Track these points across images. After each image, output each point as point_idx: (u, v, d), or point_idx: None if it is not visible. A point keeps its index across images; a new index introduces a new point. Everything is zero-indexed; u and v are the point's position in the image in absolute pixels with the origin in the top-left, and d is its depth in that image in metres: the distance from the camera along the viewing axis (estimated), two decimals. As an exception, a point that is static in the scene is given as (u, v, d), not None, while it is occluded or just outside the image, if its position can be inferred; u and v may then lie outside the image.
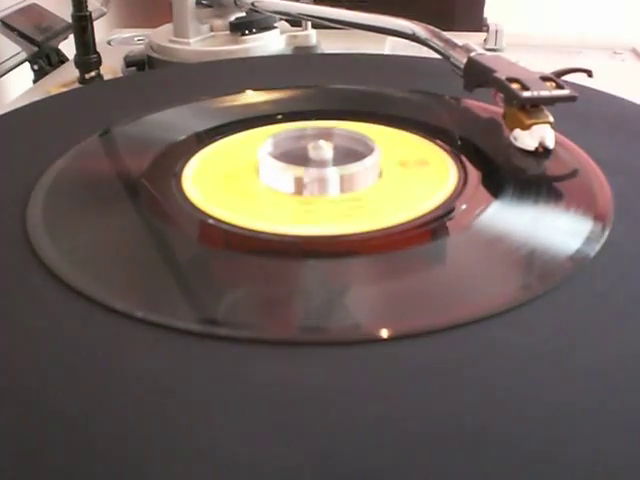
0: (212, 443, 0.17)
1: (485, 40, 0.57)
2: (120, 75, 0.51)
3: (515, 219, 0.26)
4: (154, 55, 0.51)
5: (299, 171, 0.28)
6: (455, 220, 0.26)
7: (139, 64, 0.51)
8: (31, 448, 0.17)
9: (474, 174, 0.29)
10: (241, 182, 0.29)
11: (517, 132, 0.30)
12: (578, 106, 0.29)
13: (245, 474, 0.16)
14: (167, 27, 0.53)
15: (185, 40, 0.50)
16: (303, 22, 0.52)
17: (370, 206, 0.27)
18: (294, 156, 0.29)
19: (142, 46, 0.55)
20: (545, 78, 0.30)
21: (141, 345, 0.20)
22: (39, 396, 0.18)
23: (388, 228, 0.25)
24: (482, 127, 0.33)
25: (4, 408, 0.18)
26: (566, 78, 0.31)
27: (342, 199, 0.27)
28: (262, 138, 0.30)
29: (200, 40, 0.51)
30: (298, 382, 0.19)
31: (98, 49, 0.49)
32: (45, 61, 0.54)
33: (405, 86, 0.38)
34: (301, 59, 0.49)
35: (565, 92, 0.29)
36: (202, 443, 0.17)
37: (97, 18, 0.58)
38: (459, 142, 0.32)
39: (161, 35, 0.52)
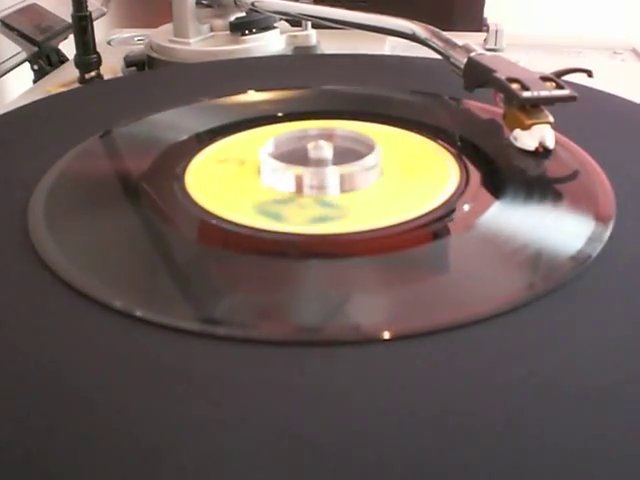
0: (212, 443, 0.17)
1: (485, 40, 0.57)
2: (120, 75, 0.51)
3: (516, 219, 0.26)
4: (154, 55, 0.51)
5: (299, 171, 0.28)
6: (456, 220, 0.26)
7: (139, 64, 0.51)
8: (30, 448, 0.17)
9: (475, 174, 0.29)
10: (242, 182, 0.29)
11: (517, 132, 0.30)
12: (578, 106, 0.29)
13: (245, 474, 0.16)
14: (167, 27, 0.53)
15: (185, 40, 0.50)
16: (303, 22, 0.52)
17: (370, 206, 0.27)
18: (295, 156, 0.29)
19: (142, 46, 0.55)
20: (545, 78, 0.30)
21: (141, 344, 0.20)
22: (39, 396, 0.18)
23: (388, 228, 0.25)
24: (482, 127, 0.33)
25: (4, 407, 0.18)
26: (566, 78, 0.31)
27: (342, 199, 0.27)
28: (263, 138, 0.30)
29: (200, 40, 0.51)
30: (298, 382, 0.19)
31: (98, 49, 0.49)
32: (45, 61, 0.54)
33: (405, 86, 0.38)
34: (301, 59, 0.49)
35: (565, 92, 0.29)
36: (201, 443, 0.17)
37: (97, 18, 0.58)
38: (459, 142, 0.32)
39: (161, 35, 0.52)
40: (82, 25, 0.48)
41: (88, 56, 0.48)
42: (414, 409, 0.18)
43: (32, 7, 0.57)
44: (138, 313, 0.21)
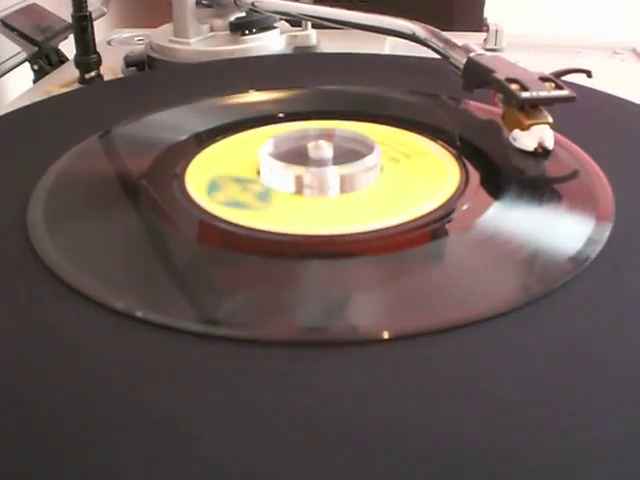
0: (212, 444, 0.17)
1: (485, 40, 0.57)
2: (120, 75, 0.51)
3: (515, 220, 0.26)
4: (154, 55, 0.51)
5: (299, 171, 0.28)
6: (456, 221, 0.26)
7: (139, 64, 0.51)
8: (29, 448, 0.17)
9: (474, 175, 0.29)
10: (241, 182, 0.29)
11: (516, 133, 0.30)
12: (578, 106, 0.29)
13: (245, 475, 0.16)
14: (167, 27, 0.53)
15: (185, 40, 0.50)
16: (303, 22, 0.52)
17: (370, 206, 0.27)
18: (294, 156, 0.29)
19: (142, 46, 0.55)
20: (544, 78, 0.30)
21: (141, 345, 0.20)
22: (39, 396, 0.18)
23: (388, 228, 0.25)
24: (482, 128, 0.33)
25: (3, 408, 0.18)
26: (566, 78, 0.31)
27: (342, 199, 0.27)
28: (263, 138, 0.30)
29: (200, 40, 0.51)
30: (298, 382, 0.19)
31: (98, 49, 0.49)
32: (45, 61, 0.54)
33: (405, 86, 0.38)
34: (301, 59, 0.49)
35: (564, 92, 0.29)
36: (202, 444, 0.17)
37: (97, 18, 0.58)
38: (459, 143, 0.32)
39: (161, 35, 0.52)
40: (82, 25, 0.48)
41: (88, 56, 0.48)
42: (413, 409, 0.18)
43: (32, 7, 0.57)
44: (138, 313, 0.21)
